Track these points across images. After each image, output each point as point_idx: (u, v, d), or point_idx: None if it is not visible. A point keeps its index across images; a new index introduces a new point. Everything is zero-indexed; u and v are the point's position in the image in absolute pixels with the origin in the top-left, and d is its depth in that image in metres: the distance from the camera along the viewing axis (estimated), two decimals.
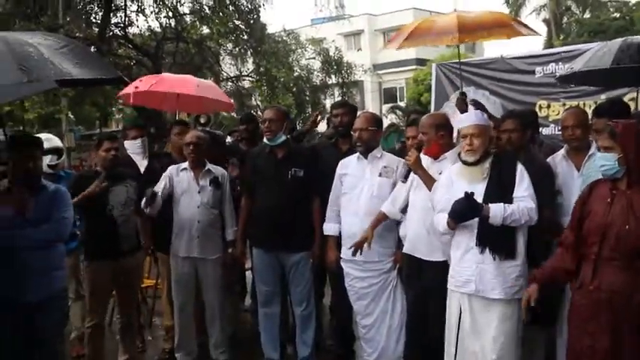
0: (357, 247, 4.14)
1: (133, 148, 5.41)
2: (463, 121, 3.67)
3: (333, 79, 23.00)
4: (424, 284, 3.95)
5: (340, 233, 4.48)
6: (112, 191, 4.42)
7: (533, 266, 3.50)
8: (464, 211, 3.39)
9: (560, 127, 4.42)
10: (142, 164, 5.36)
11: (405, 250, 4.07)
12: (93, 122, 24.58)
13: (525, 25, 5.35)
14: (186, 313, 4.78)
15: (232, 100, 7.86)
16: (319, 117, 5.49)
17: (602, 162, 3.09)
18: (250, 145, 5.70)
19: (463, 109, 4.56)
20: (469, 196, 3.36)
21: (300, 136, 5.05)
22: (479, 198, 3.43)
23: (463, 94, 5.14)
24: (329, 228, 4.52)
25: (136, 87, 5.83)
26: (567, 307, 3.34)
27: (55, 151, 5.16)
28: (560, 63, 6.78)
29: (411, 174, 4.03)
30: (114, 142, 4.51)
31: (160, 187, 4.56)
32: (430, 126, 3.98)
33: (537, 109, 6.77)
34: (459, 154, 3.68)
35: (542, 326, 3.82)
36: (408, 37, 5.15)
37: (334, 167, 4.53)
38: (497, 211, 3.37)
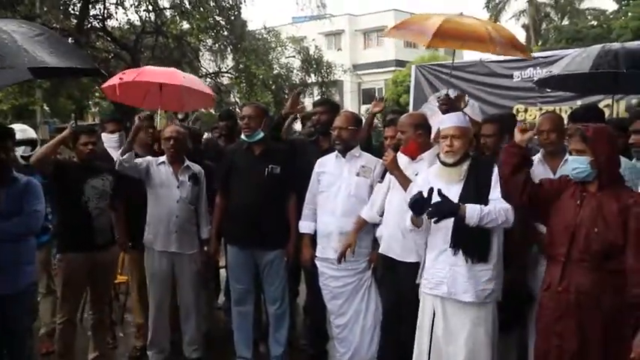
0: (342, 255, 4.18)
1: (109, 141, 5.34)
2: (444, 122, 3.67)
3: (312, 78, 23.01)
4: (397, 285, 3.95)
5: (316, 232, 4.47)
6: (88, 183, 4.36)
7: (511, 270, 3.52)
8: (440, 210, 3.37)
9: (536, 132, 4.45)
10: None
11: (380, 250, 4.07)
12: (68, 115, 24.24)
13: (517, 47, 4.72)
14: (162, 311, 4.73)
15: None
16: (299, 99, 5.15)
17: (574, 165, 3.13)
18: (228, 141, 5.66)
19: (458, 107, 4.52)
20: (442, 194, 3.34)
21: (279, 122, 4.96)
22: (454, 199, 3.43)
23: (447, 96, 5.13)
24: (304, 226, 4.51)
25: (121, 78, 5.73)
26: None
27: (29, 143, 5.09)
28: (538, 68, 6.87)
29: (388, 174, 4.03)
30: (92, 135, 4.43)
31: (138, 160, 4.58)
32: (409, 125, 3.98)
33: (515, 113, 6.84)
34: (438, 155, 3.68)
35: (509, 331, 3.83)
36: (397, 26, 5.08)
37: (314, 165, 4.53)
38: (473, 211, 3.36)
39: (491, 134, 4.20)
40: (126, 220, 4.83)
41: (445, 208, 3.36)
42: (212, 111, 21.57)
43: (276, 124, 4.91)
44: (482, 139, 4.20)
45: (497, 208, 3.38)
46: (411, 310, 3.73)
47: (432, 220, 3.40)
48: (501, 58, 7.52)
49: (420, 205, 3.36)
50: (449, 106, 4.40)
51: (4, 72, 3.43)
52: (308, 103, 24.06)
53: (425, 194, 3.33)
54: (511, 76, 7.16)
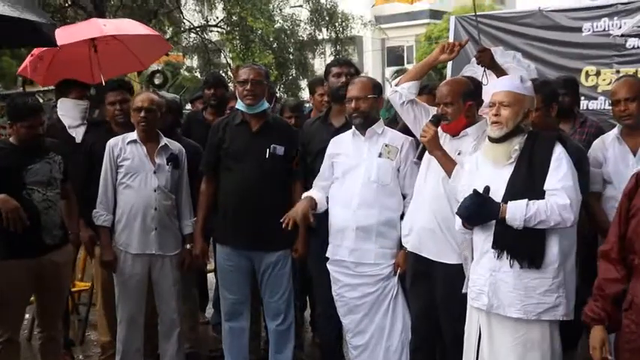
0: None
1: (71, 110, 5.33)
2: (494, 87, 3.64)
3: (324, 34, 22.89)
4: (432, 294, 3.94)
5: (326, 226, 4.44)
6: (30, 169, 4.34)
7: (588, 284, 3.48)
8: (473, 211, 3.38)
9: (611, 101, 4.40)
10: (78, 133, 5.30)
11: (410, 248, 4.05)
12: (14, 79, 24.24)
13: None
14: (135, 326, 4.74)
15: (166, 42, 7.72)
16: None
17: None
18: (217, 114, 5.64)
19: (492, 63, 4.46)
20: (479, 194, 3.34)
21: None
22: (501, 188, 3.41)
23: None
24: (310, 192, 4.45)
25: (32, 54, 5.72)
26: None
27: None
28: (615, 18, 6.77)
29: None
30: (38, 117, 4.36)
31: (107, 182, 4.64)
32: (457, 94, 3.92)
33: (583, 77, 6.77)
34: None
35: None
36: None
37: (325, 147, 4.53)
38: (516, 211, 3.32)
39: (536, 107, 4.11)
40: (87, 208, 4.80)
41: (482, 210, 3.40)
42: (198, 75, 21.56)
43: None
44: None
45: (549, 204, 3.32)
46: (449, 327, 3.72)
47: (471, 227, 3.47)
48: (566, 6, 7.46)
49: (474, 213, 3.41)
50: (489, 62, 4.33)
51: None
52: (318, 65, 24.04)
53: (474, 198, 3.37)
54: (579, 29, 7.07)
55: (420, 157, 4.03)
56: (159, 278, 4.73)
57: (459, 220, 3.55)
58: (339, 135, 4.54)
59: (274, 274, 4.61)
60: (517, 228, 3.34)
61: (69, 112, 5.33)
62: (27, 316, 5.02)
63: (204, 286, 6.30)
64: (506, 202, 3.38)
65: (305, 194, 4.39)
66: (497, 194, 3.43)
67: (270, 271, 4.61)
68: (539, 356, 3.44)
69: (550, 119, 4.14)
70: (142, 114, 4.61)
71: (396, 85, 4.16)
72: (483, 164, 3.56)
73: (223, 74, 21.53)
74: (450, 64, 8.02)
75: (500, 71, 4.39)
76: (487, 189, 3.38)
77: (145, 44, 6.27)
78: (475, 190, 3.37)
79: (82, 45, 5.97)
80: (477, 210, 3.38)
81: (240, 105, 4.60)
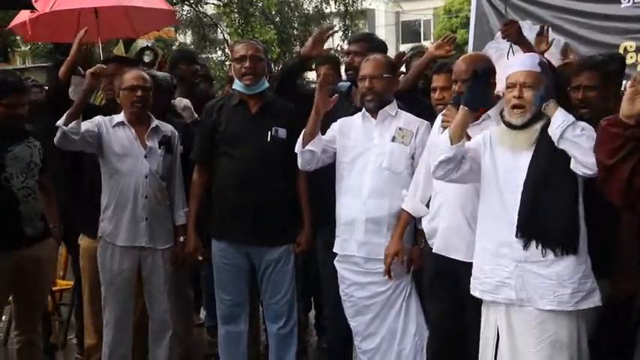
0: (388, 269, 4.21)
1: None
2: (513, 66, 3.64)
3: (332, 7, 22.84)
4: (457, 297, 3.95)
5: (333, 215, 4.47)
6: (8, 153, 4.36)
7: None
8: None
9: None
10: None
11: (435, 249, 4.05)
12: None
13: None
14: (123, 329, 4.77)
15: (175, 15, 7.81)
16: (325, 32, 5.00)
17: None
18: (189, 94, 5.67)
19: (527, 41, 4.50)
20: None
21: (295, 67, 4.93)
22: (521, 174, 3.46)
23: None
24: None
25: (32, 11, 5.71)
26: None
27: None
28: None
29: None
30: (22, 96, 4.37)
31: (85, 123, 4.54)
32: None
33: (623, 54, 6.73)
34: (501, 113, 3.67)
35: None
36: None
37: None
38: (560, 115, 3.37)
39: (593, 85, 4.10)
40: (74, 196, 4.82)
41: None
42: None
43: (290, 69, 4.88)
44: (577, 93, 4.10)
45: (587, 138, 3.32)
46: (475, 332, 3.74)
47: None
48: None
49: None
50: (516, 36, 4.34)
51: None
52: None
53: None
54: (618, 1, 7.05)
55: None
56: (149, 275, 4.74)
57: (444, 138, 3.60)
58: (347, 117, 4.56)
59: (276, 272, 4.63)
60: (556, 130, 3.34)
61: (77, 90, 5.30)
62: (3, 317, 5.04)
63: (197, 285, 6.32)
64: (527, 189, 3.43)
65: None
66: (517, 181, 3.48)
67: (271, 270, 4.63)
68: (567, 354, 3.45)
69: (610, 102, 4.05)
70: (139, 93, 4.61)
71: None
72: (497, 148, 3.57)
73: (220, 52, 21.66)
74: (471, 41, 8.01)
75: (528, 47, 4.40)
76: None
77: (151, 15, 6.30)
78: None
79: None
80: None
81: (237, 85, 4.62)
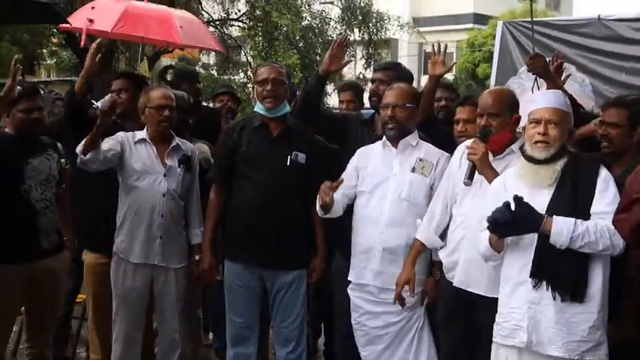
0: (399, 297, 4.18)
1: None
2: (537, 101, 3.63)
3: (356, 35, 22.95)
4: (473, 331, 3.92)
5: (350, 246, 4.45)
6: (29, 164, 4.38)
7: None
8: (511, 218, 3.34)
9: None
10: None
11: (456, 282, 4.01)
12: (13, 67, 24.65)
13: None
14: (133, 345, 4.75)
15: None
16: (340, 44, 4.83)
17: None
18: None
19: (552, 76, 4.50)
20: (520, 201, 3.32)
21: (315, 87, 4.82)
22: (540, 210, 3.41)
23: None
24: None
25: (90, 20, 5.75)
26: None
27: None
28: None
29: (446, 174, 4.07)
30: (35, 99, 4.42)
31: (106, 144, 4.53)
32: (503, 105, 3.92)
33: None
34: (522, 147, 3.65)
35: None
36: None
37: None
38: (563, 226, 3.32)
39: (617, 123, 4.09)
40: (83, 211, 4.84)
41: (522, 220, 3.35)
42: (214, 72, 21.63)
43: (311, 89, 4.85)
44: (602, 129, 4.11)
45: (599, 227, 3.33)
46: None
47: (501, 236, 3.43)
48: (630, 14, 7.39)
49: (505, 222, 3.34)
50: (542, 70, 4.34)
51: None
52: (347, 69, 24.06)
53: (512, 205, 3.31)
54: None
55: (471, 178, 3.89)
56: (161, 293, 4.74)
57: (485, 239, 3.54)
58: (367, 146, 4.56)
59: (288, 296, 4.61)
60: (561, 247, 3.33)
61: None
62: (14, 328, 5.04)
63: (206, 305, 6.31)
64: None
65: None
66: None
67: (283, 293, 4.61)
68: None
69: (630, 143, 4.08)
70: (166, 113, 4.63)
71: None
72: (515, 186, 3.53)
73: (243, 74, 21.77)
74: (493, 75, 8.03)
75: (553, 82, 4.39)
76: (521, 198, 3.34)
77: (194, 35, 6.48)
78: (515, 196, 3.33)
79: None
80: (516, 217, 3.32)
81: (258, 107, 4.63)
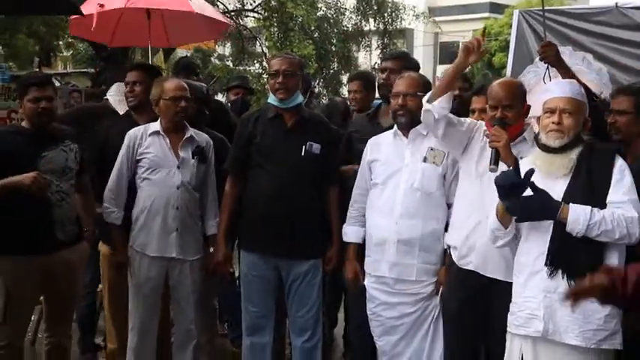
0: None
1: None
2: (552, 91, 3.64)
3: (371, 25, 22.90)
4: (487, 319, 3.92)
5: (364, 240, 4.47)
6: (44, 157, 4.37)
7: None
8: (528, 203, 3.37)
9: None
10: None
11: (474, 267, 3.99)
12: (30, 59, 24.73)
13: None
14: (148, 335, 4.78)
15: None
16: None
17: None
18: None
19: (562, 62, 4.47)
20: (537, 187, 3.35)
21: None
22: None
23: None
24: (350, 233, 4.54)
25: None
26: None
27: None
28: None
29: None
30: (45, 88, 4.39)
31: (121, 173, 4.65)
32: (516, 96, 3.93)
33: None
34: (536, 137, 3.67)
35: None
36: None
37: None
38: (580, 213, 3.32)
39: (625, 111, 4.13)
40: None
41: (537, 204, 3.36)
42: (229, 63, 21.61)
43: None
44: (610, 118, 4.17)
45: (616, 215, 3.34)
46: (500, 357, 3.72)
47: (516, 218, 3.44)
48: None
49: (512, 187, 3.37)
50: (554, 58, 4.31)
51: None
52: (363, 59, 24.00)
53: (522, 173, 3.34)
54: None
55: (497, 164, 3.82)
56: (176, 285, 4.76)
57: (492, 213, 3.57)
58: (378, 136, 4.56)
59: (303, 285, 4.63)
60: (577, 234, 3.34)
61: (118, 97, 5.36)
62: (32, 317, 5.07)
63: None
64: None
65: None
66: None
67: (299, 282, 4.63)
68: None
69: (638, 130, 4.12)
70: (183, 104, 4.63)
71: (427, 102, 4.04)
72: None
73: (258, 64, 21.77)
74: (510, 65, 7.97)
75: (565, 71, 4.37)
76: (531, 171, 3.37)
77: (203, 27, 6.46)
78: (531, 183, 3.35)
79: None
80: (531, 201, 3.36)
81: (272, 99, 4.64)
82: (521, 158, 3.79)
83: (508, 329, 3.63)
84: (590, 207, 3.34)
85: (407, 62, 4.99)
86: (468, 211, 4.05)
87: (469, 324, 4.06)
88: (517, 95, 3.94)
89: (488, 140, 3.90)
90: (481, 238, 3.94)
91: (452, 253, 4.13)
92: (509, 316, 3.63)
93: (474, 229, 3.99)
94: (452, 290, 4.15)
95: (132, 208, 4.69)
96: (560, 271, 3.43)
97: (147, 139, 4.68)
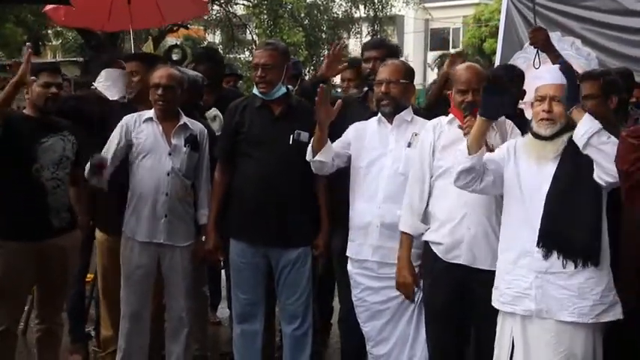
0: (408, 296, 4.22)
1: (119, 81, 5.25)
2: (542, 78, 3.65)
3: (361, 12, 22.88)
4: (476, 304, 3.93)
5: (347, 221, 4.47)
6: (42, 144, 4.41)
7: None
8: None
9: None
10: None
11: (463, 261, 3.97)
12: (18, 48, 24.59)
13: None
14: (139, 322, 4.80)
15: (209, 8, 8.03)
16: (338, 51, 5.03)
17: None
18: (212, 93, 5.70)
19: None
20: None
21: (309, 87, 4.98)
22: (545, 184, 3.47)
23: None
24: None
25: None
26: None
27: None
28: None
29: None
30: (57, 75, 4.46)
31: (110, 149, 4.61)
32: (482, 79, 3.97)
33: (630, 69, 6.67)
34: (529, 124, 3.69)
35: None
36: None
37: None
38: (587, 121, 3.38)
39: (592, 94, 4.18)
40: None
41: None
42: (221, 51, 21.51)
43: (309, 91, 4.87)
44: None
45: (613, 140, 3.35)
46: (489, 342, 3.74)
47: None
48: None
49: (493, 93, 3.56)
50: (543, 43, 4.34)
51: None
52: (353, 46, 23.97)
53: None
54: None
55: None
56: (168, 272, 4.78)
57: (463, 144, 3.64)
58: (362, 122, 4.56)
59: (293, 273, 4.64)
60: (583, 136, 3.36)
61: (116, 83, 5.28)
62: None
63: (217, 283, 6.34)
64: (550, 198, 3.46)
65: None
66: (540, 191, 3.49)
67: (288, 270, 4.64)
68: None
69: (607, 111, 4.16)
70: (160, 92, 4.65)
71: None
72: (524, 156, 3.59)
73: (248, 52, 21.72)
74: (499, 51, 7.97)
75: (555, 55, 4.39)
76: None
77: (184, 5, 6.43)
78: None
79: None
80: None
81: (256, 90, 4.66)
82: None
83: (493, 304, 3.65)
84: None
85: (389, 49, 5.00)
86: (451, 206, 4.02)
87: (457, 316, 4.06)
88: (483, 79, 3.98)
89: (462, 132, 3.91)
90: (470, 230, 3.96)
91: (435, 250, 4.07)
92: (493, 290, 3.66)
93: (460, 222, 3.98)
94: (438, 285, 4.09)
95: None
96: (555, 252, 3.44)
97: (140, 125, 4.71)
